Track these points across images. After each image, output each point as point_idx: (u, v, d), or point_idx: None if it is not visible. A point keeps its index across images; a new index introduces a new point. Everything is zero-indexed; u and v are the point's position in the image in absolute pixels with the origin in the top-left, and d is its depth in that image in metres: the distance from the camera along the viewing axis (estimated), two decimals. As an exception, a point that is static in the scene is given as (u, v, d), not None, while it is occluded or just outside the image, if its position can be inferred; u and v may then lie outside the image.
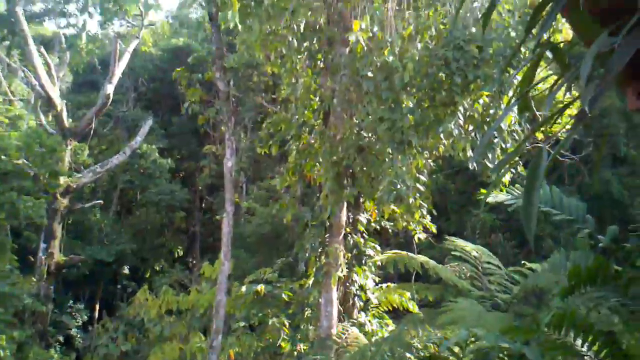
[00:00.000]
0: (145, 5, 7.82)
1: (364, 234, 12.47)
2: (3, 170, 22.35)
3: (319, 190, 12.94)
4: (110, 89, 23.50)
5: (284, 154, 16.39)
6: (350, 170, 11.75)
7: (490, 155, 9.44)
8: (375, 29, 9.58)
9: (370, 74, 9.57)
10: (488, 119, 9.65)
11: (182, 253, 29.46)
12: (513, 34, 8.97)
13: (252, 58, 17.11)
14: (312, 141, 13.15)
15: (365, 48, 9.67)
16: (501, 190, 8.45)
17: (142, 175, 28.13)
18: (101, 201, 25.91)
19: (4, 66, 25.69)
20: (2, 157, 22.22)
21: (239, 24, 9.67)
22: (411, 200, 10.10)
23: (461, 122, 9.62)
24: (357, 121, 11.71)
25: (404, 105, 9.39)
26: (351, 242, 12.19)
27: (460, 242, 11.14)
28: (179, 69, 16.78)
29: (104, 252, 26.03)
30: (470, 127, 9.91)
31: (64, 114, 23.96)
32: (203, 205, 30.32)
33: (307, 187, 16.19)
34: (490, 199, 8.30)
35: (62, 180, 22.48)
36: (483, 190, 10.75)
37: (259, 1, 9.91)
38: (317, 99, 12.95)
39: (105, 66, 26.39)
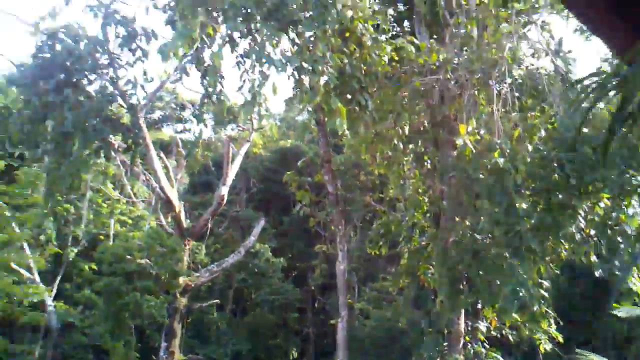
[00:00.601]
0: (259, 116, 8.31)
1: (484, 343, 11.70)
2: (127, 270, 23.51)
3: (434, 292, 12.45)
4: (224, 190, 24.36)
5: (396, 253, 16.06)
6: (467, 275, 11.20)
7: (617, 262, 8.65)
8: (482, 131, 9.34)
9: (481, 177, 9.26)
10: (610, 222, 8.90)
11: (296, 355, 29.11)
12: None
13: (359, 159, 17.25)
14: (424, 243, 12.81)
15: (474, 151, 9.41)
16: (635, 302, 7.66)
17: (256, 275, 28.59)
18: (217, 300, 26.39)
19: (127, 170, 27.56)
20: (127, 257, 23.45)
21: (346, 130, 9.76)
22: (535, 308, 9.39)
23: (582, 225, 8.94)
24: (469, 223, 11.28)
25: (518, 207, 8.93)
26: (471, 351, 11.45)
27: (593, 357, 10.08)
28: (289, 173, 17.18)
29: (220, 351, 26.26)
30: (592, 231, 9.18)
31: (182, 215, 24.98)
32: (316, 305, 30.14)
33: (420, 289, 15.64)
34: (622, 314, 7.52)
35: (182, 280, 23.19)
36: (615, 305, 9.80)
37: (364, 106, 10.00)
38: (427, 200, 12.71)
39: (219, 168, 27.63)
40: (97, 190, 27.24)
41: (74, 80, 10.00)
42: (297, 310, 28.86)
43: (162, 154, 25.18)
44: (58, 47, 10.01)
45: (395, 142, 11.67)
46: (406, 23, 14.60)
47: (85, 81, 10.27)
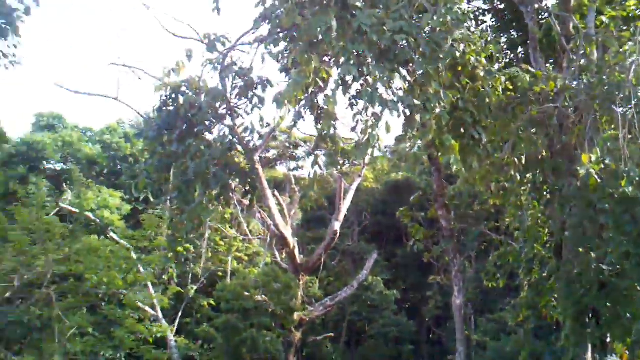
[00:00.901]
0: (371, 156, 8.38)
1: (616, 380, 11.01)
2: (245, 307, 24.29)
3: (556, 324, 11.92)
4: (337, 225, 24.72)
5: (514, 284, 15.59)
6: (593, 308, 10.64)
7: None
8: (607, 160, 8.96)
9: (607, 206, 8.86)
10: None
11: (412, 386, 28.69)
12: None
13: (473, 190, 16.97)
14: (545, 275, 12.34)
15: (598, 180, 9.03)
16: None
17: (370, 307, 28.60)
18: (332, 333, 26.59)
19: (244, 209, 28.68)
20: (245, 293, 24.26)
21: (460, 166, 9.68)
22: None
23: None
24: (595, 255, 10.75)
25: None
26: (601, 388, 10.81)
27: None
28: (402, 209, 17.23)
29: (335, 382, 26.43)
30: None
31: (296, 251, 25.58)
32: (430, 336, 29.61)
33: (541, 321, 15.03)
34: None
35: (297, 315, 23.63)
36: None
37: (478, 140, 9.90)
38: (547, 231, 12.27)
39: (331, 203, 28.16)
40: (215, 229, 28.49)
41: (195, 130, 10.65)
42: (412, 343, 28.44)
43: (276, 192, 26.06)
44: (180, 100, 10.72)
45: (512, 172, 11.40)
46: (520, 49, 14.37)
47: (205, 131, 10.89)
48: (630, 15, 13.01)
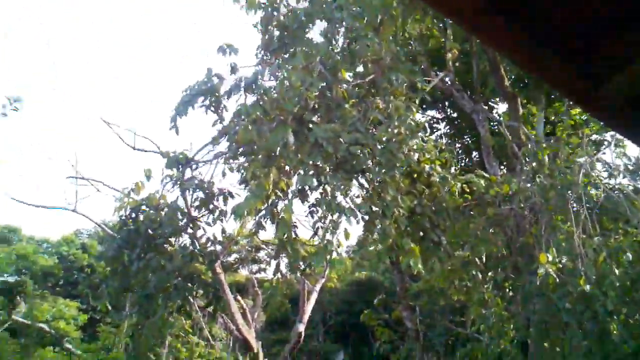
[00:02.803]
0: (330, 263, 8.38)
1: None
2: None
3: None
4: (301, 327, 24.30)
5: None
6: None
7: None
8: (564, 259, 9.24)
9: (568, 305, 9.04)
10: None
11: None
12: None
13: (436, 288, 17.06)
14: (513, 372, 12.29)
15: (557, 280, 9.27)
16: None
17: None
18: None
19: (205, 314, 28.02)
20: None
21: (421, 268, 9.83)
22: None
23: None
24: (559, 350, 10.84)
25: (613, 334, 8.62)
26: None
27: None
28: (366, 312, 17.14)
29: None
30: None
31: (260, 355, 24.91)
32: None
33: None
34: None
35: None
36: None
37: (437, 242, 10.11)
38: (512, 327, 12.34)
39: (295, 304, 27.78)
40: (176, 335, 27.72)
41: (155, 243, 10.58)
42: None
43: (238, 296, 25.65)
44: (141, 217, 10.71)
45: (474, 272, 11.61)
46: (475, 153, 14.97)
47: (166, 244, 10.83)
48: (577, 122, 13.84)
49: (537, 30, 1.64)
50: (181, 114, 10.32)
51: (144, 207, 10.89)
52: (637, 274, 8.55)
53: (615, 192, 9.84)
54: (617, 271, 8.85)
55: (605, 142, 11.59)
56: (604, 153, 11.38)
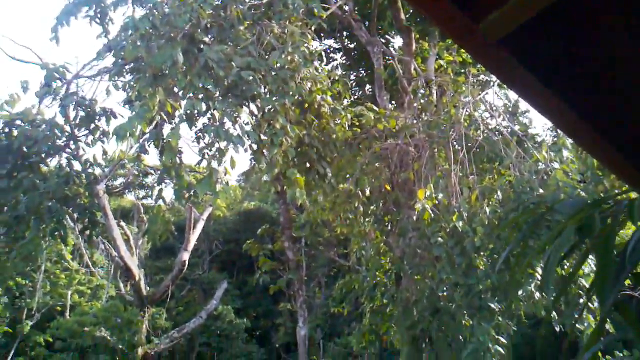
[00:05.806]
0: (215, 192, 8.11)
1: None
2: (83, 345, 22.88)
3: (399, 351, 12.44)
4: (186, 256, 24.16)
5: (360, 309, 16.09)
6: (428, 334, 11.26)
7: (577, 315, 8.89)
8: (440, 196, 9.59)
9: (440, 240, 9.46)
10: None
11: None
12: (583, 194, 8.77)
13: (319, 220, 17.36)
14: (385, 301, 12.88)
15: (432, 215, 9.64)
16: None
17: (219, 337, 28.09)
18: (179, 365, 25.77)
19: (85, 239, 27.13)
20: (83, 330, 22.84)
21: (305, 200, 9.88)
22: (494, 366, 9.46)
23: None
24: (429, 282, 11.43)
25: (478, 269, 9.15)
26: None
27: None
28: (249, 242, 17.20)
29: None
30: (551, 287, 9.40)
31: (142, 283, 24.58)
32: (280, 364, 29.71)
33: (384, 349, 15.64)
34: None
35: (140, 350, 22.64)
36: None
37: (322, 174, 10.18)
38: (388, 260, 12.83)
39: (182, 232, 27.50)
40: (55, 261, 26.74)
41: (29, 162, 9.85)
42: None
43: (122, 222, 24.95)
44: (14, 132, 9.92)
45: (356, 205, 11.83)
46: (368, 87, 15.05)
47: (41, 163, 10.12)
48: (464, 60, 14.20)
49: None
50: (62, 23, 9.59)
51: (18, 122, 10.07)
52: (505, 213, 9.02)
53: (495, 133, 10.23)
54: (487, 209, 9.32)
55: (491, 83, 11.98)
56: (487, 93, 11.77)
